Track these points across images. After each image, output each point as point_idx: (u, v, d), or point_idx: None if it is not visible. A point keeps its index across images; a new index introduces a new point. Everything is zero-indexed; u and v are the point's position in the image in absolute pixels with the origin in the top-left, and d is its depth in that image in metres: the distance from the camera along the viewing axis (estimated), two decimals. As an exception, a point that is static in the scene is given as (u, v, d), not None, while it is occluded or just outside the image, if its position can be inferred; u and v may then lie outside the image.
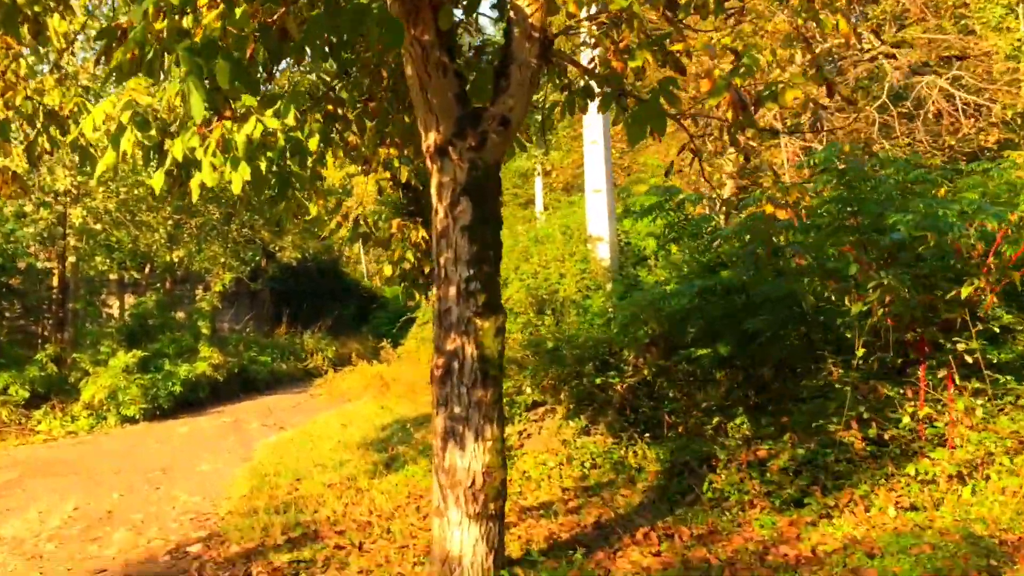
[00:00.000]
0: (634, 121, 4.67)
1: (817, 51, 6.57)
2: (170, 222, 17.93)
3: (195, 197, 4.60)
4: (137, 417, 13.91)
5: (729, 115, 4.66)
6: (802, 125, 15.60)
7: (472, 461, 4.65)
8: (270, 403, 15.64)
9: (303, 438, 10.60)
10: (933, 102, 14.84)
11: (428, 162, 4.92)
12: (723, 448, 6.53)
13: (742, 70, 4.61)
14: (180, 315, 19.00)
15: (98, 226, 16.73)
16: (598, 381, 7.87)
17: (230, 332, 22.02)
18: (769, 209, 5.14)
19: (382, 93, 6.19)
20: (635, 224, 15.40)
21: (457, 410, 4.70)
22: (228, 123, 4.42)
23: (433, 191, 4.88)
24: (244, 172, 4.45)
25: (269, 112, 4.55)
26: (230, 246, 20.06)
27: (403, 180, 6.98)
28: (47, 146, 5.62)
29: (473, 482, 4.63)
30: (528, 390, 8.07)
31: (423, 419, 10.31)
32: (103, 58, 5.38)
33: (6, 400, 13.49)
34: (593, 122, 15.10)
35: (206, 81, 3.61)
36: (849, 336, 6.60)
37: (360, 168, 7.23)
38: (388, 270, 6.45)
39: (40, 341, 17.48)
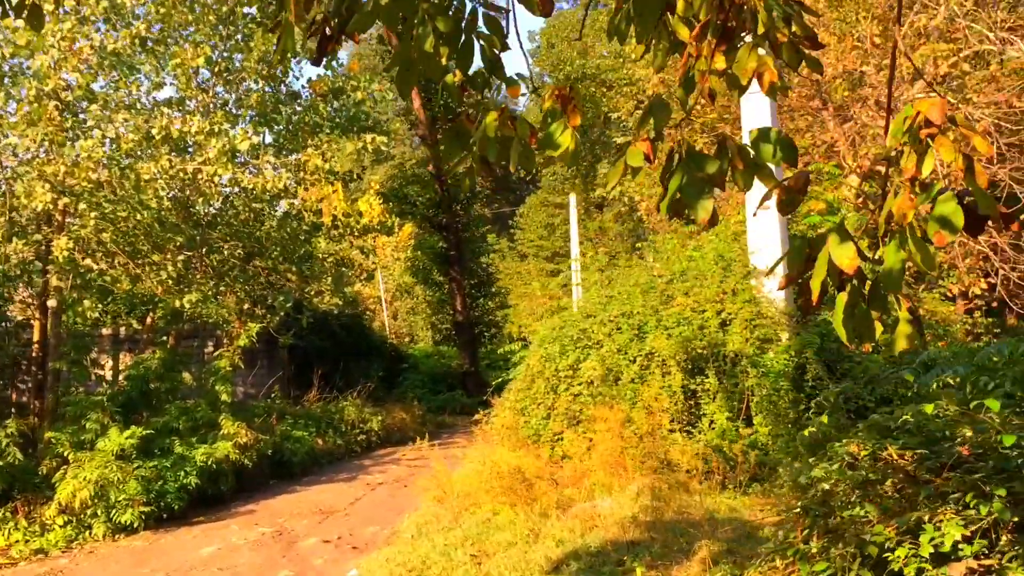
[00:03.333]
0: None
1: None
2: (180, 259, 13.90)
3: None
4: (136, 525, 9.72)
5: None
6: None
7: None
8: (318, 498, 11.43)
9: (411, 579, 6.43)
10: None
11: None
12: None
13: None
14: (187, 377, 14.79)
15: (88, 261, 12.74)
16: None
17: (244, 398, 17.86)
18: None
19: None
20: (818, 252, 11.50)
21: None
22: None
23: None
24: None
25: None
26: (253, 290, 16.02)
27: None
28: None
29: None
30: (950, 530, 3.89)
31: (614, 552, 6.19)
32: None
33: (-53, 503, 9.33)
34: (755, 114, 11.26)
35: None
36: None
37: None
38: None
39: (13, 411, 13.29)
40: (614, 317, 11.16)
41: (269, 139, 15.98)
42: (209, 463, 11.05)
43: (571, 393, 11.08)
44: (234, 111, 15.03)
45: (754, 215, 10.83)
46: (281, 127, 16.03)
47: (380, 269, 28.96)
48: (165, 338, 15.71)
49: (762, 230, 10.87)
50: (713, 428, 9.63)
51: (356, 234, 18.38)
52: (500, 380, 12.66)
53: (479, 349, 27.62)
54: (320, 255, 18.12)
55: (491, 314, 29.58)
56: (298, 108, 16.19)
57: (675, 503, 7.17)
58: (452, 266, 25.84)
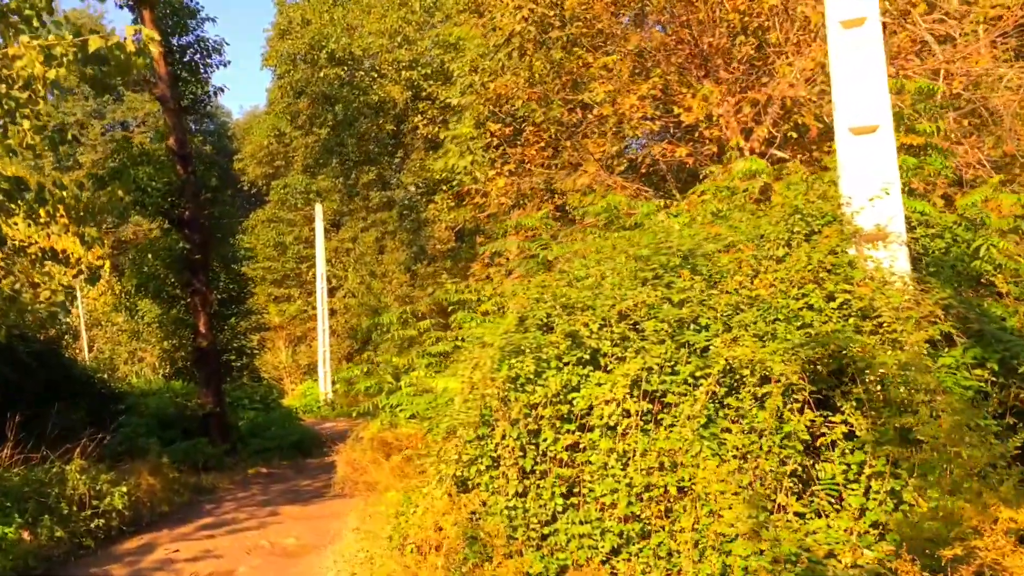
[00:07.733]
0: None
1: None
2: None
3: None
4: None
5: None
6: None
7: None
8: None
9: None
10: None
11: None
12: None
13: None
14: None
15: None
16: None
17: None
18: None
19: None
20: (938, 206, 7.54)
21: None
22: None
23: None
24: None
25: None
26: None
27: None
28: None
29: None
30: None
31: None
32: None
33: None
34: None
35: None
36: None
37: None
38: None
39: None
40: (634, 306, 6.42)
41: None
42: None
43: (564, 446, 6.16)
44: None
45: (851, 131, 6.71)
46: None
47: (103, 271, 21.47)
48: None
49: (865, 167, 6.73)
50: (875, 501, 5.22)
51: (72, 216, 12.11)
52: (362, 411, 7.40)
53: (225, 384, 21.28)
54: (19, 242, 11.71)
55: (244, 337, 23.22)
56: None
57: None
58: (196, 274, 19.38)
